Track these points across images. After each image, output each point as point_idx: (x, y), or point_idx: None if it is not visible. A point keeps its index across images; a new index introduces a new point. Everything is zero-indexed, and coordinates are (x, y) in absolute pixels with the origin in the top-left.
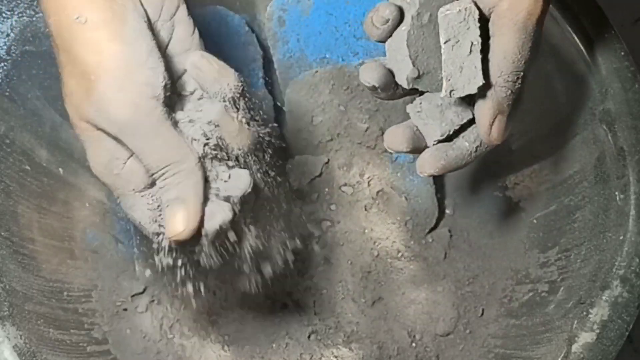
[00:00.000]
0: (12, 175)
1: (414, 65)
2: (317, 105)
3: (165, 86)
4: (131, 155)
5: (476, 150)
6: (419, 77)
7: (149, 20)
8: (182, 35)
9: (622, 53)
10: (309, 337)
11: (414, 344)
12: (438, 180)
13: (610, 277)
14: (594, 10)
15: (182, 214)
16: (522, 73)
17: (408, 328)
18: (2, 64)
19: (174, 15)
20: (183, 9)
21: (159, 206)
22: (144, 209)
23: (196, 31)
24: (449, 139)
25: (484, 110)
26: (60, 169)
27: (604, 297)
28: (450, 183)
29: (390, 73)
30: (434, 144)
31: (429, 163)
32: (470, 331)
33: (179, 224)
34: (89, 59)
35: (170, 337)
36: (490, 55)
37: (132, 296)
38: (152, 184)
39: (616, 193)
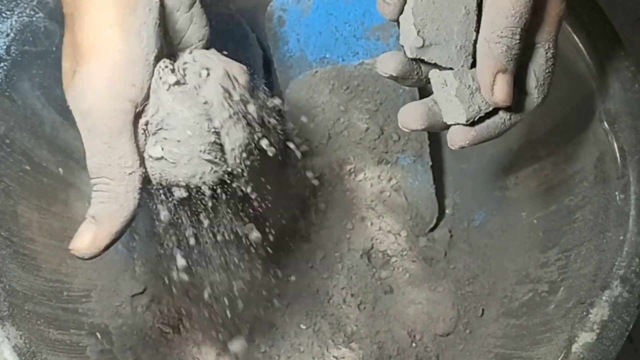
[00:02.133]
0: (12, 175)
1: (418, 34)
2: (317, 105)
3: (144, 98)
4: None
5: (510, 119)
6: (424, 46)
7: (163, 10)
8: (198, 27)
9: (622, 53)
10: (309, 337)
11: (414, 344)
12: (438, 180)
13: (610, 277)
14: (594, 10)
15: (89, 235)
16: (518, 29)
17: (408, 328)
18: (2, 64)
19: (192, 6)
20: (199, 1)
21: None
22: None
23: (208, 24)
24: (472, 124)
25: (482, 68)
26: (60, 169)
27: (604, 297)
28: (450, 183)
29: (411, 62)
30: (454, 124)
31: (460, 135)
32: (470, 331)
33: (83, 243)
34: (86, 38)
35: (170, 337)
36: (485, 10)
37: (132, 296)
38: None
39: (616, 193)
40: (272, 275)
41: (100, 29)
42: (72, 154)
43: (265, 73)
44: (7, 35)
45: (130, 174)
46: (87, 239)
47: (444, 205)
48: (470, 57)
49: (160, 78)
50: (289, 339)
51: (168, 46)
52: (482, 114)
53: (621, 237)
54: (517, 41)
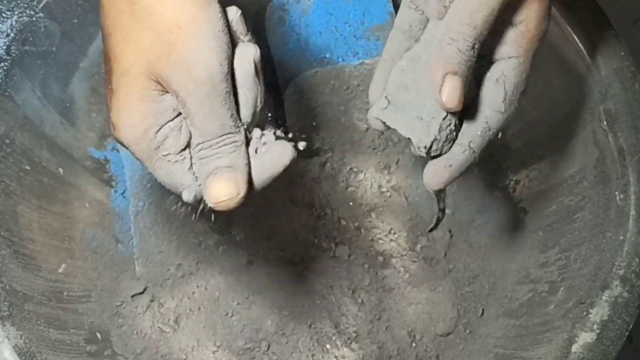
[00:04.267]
0: (12, 175)
1: (385, 96)
2: (317, 105)
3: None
4: (166, 123)
5: (474, 146)
6: (387, 108)
7: None
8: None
9: (622, 53)
10: (309, 337)
11: (414, 344)
12: None
13: (610, 277)
14: (594, 10)
15: (233, 182)
16: (471, 37)
17: (408, 328)
18: (2, 64)
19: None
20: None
21: (193, 173)
22: (176, 173)
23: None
24: (439, 152)
25: (433, 67)
26: (60, 169)
27: (604, 297)
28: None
29: None
30: (422, 151)
31: (434, 177)
32: (470, 331)
33: (229, 192)
34: (175, 15)
35: (170, 338)
36: (448, 12)
37: (132, 296)
38: (183, 150)
39: (616, 193)
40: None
41: (185, 3)
42: (72, 154)
43: (265, 73)
44: (7, 35)
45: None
46: (231, 188)
47: (444, 205)
48: (434, 135)
49: None
50: (289, 339)
51: None
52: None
53: (621, 237)
54: (469, 47)
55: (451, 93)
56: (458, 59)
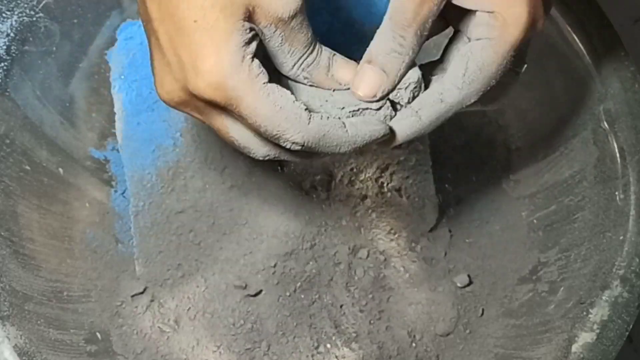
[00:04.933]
0: (12, 175)
1: None
2: None
3: None
4: (254, 55)
5: (421, 114)
6: None
7: None
8: None
9: (622, 53)
10: (310, 337)
11: (414, 344)
12: (438, 180)
13: (610, 277)
14: (594, 10)
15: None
16: (404, 38)
17: (408, 328)
18: (2, 64)
19: None
20: None
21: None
22: (285, 102)
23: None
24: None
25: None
26: (60, 169)
27: (604, 297)
28: (450, 183)
29: None
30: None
31: (376, 128)
32: (470, 331)
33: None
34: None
35: (170, 338)
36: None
37: (132, 296)
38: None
39: (616, 193)
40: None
41: None
42: (72, 154)
43: None
44: (7, 35)
45: None
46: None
47: (444, 205)
48: None
49: None
50: (289, 339)
51: None
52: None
53: (621, 237)
54: (401, 38)
55: (363, 84)
56: (382, 52)
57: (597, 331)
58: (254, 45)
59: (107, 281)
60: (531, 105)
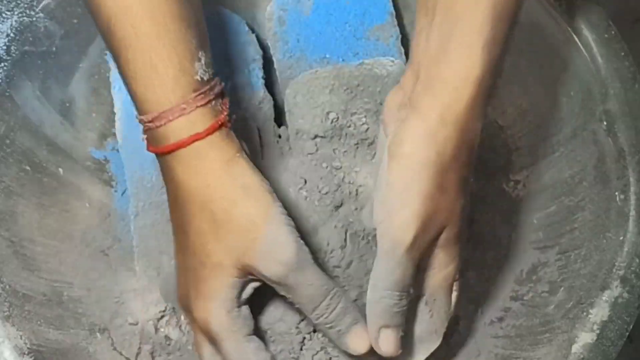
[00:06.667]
0: (12, 175)
1: None
2: (317, 105)
3: None
4: (242, 305)
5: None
6: None
7: None
8: None
9: (622, 53)
10: (310, 337)
11: None
12: None
13: (610, 277)
14: (593, 10)
15: (365, 333)
16: (396, 292)
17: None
18: (2, 64)
19: None
20: None
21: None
22: (254, 351)
23: None
24: None
25: (368, 323)
26: (60, 169)
27: (604, 298)
28: None
29: None
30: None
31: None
32: (470, 331)
33: (366, 342)
34: (251, 213)
35: (170, 337)
36: (371, 272)
37: (132, 296)
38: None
39: (616, 193)
40: None
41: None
42: (72, 154)
43: (265, 73)
44: (7, 35)
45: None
46: (366, 338)
47: None
48: None
49: None
50: (289, 339)
51: None
52: None
53: (621, 238)
54: (397, 301)
55: (386, 343)
56: (389, 314)
57: (597, 331)
58: (249, 289)
59: (107, 281)
60: (531, 106)
